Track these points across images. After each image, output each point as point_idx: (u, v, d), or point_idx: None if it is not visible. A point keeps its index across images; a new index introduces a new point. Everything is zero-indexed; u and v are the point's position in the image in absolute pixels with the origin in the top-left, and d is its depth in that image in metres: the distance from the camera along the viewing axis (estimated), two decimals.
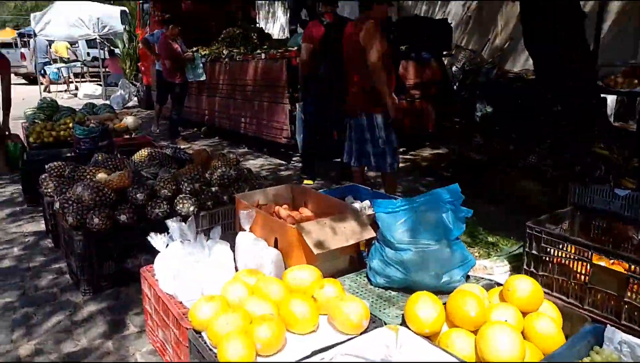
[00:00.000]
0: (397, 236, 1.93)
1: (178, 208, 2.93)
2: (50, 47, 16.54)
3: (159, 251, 2.18)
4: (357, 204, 2.69)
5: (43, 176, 3.43)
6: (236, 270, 2.15)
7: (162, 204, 2.86)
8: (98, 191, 2.74)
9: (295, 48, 5.73)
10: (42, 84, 15.23)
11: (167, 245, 2.17)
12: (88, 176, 3.01)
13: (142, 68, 11.67)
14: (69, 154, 4.90)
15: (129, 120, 6.28)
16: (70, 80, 17.05)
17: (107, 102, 12.30)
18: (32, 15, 14.34)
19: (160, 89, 8.11)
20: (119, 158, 3.40)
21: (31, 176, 4.23)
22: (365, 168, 4.01)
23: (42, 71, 15.94)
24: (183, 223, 2.15)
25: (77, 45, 21.53)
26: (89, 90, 14.52)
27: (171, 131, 7.24)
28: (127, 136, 5.87)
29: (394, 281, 1.94)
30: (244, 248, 2.15)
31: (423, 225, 1.93)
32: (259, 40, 8.50)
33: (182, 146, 7.14)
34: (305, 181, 5.04)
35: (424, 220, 1.95)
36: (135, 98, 12.63)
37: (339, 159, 4.75)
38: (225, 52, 7.37)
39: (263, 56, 6.18)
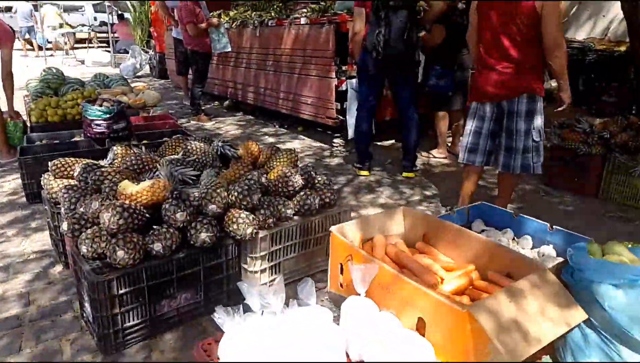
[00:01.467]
0: None
1: (231, 229, 2.12)
2: (34, 11, 15.50)
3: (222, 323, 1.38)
4: (501, 238, 1.86)
5: (46, 176, 2.62)
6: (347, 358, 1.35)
7: (209, 226, 2.05)
8: (123, 211, 1.92)
9: (344, 11, 4.78)
10: (25, 50, 14.64)
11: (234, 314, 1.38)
12: (107, 184, 2.18)
13: (155, 34, 10.70)
14: (77, 139, 4.08)
15: (147, 95, 5.42)
16: (64, 46, 16.08)
17: (117, 70, 11.40)
18: None
19: (180, 59, 7.21)
20: (145, 154, 2.56)
21: (32, 166, 3.43)
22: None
23: (26, 36, 15.15)
24: (263, 287, 1.33)
25: (83, 9, 20.44)
26: (97, 57, 13.57)
27: (192, 106, 6.37)
28: (145, 115, 5.02)
29: None
30: (360, 326, 1.34)
31: None
32: (282, 2, 7.54)
33: (204, 123, 6.31)
34: (361, 172, 4.20)
35: None
36: (147, 66, 11.69)
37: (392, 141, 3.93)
38: (254, 16, 6.40)
39: (303, 20, 5.24)
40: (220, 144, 2.74)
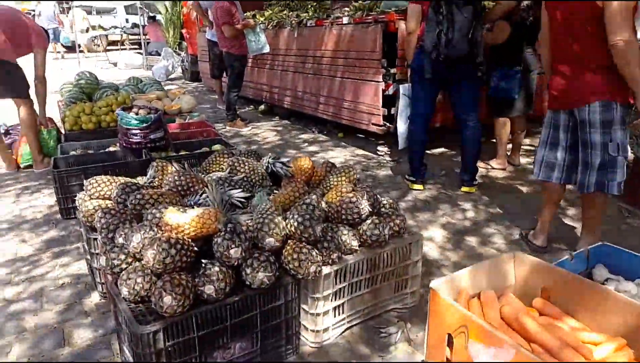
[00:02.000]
0: None
1: (291, 266, 1.81)
2: (57, 13, 15.70)
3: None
4: (629, 287, 1.49)
5: (81, 196, 2.38)
6: None
7: (268, 264, 1.74)
8: (170, 248, 1.63)
9: (392, 10, 4.43)
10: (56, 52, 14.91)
11: None
12: (149, 210, 1.91)
13: (187, 36, 10.56)
14: (112, 149, 3.87)
15: (183, 100, 5.19)
16: (96, 48, 16.32)
17: (150, 73, 11.33)
18: None
19: (215, 62, 7.00)
20: (189, 173, 2.28)
21: (65, 179, 3.22)
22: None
23: (53, 38, 15.34)
24: None
25: (115, 11, 20.65)
26: (129, 59, 13.57)
27: (228, 111, 6.12)
28: (181, 121, 4.79)
29: None
30: None
31: None
32: (317, 2, 7.24)
33: (240, 129, 6.06)
34: (414, 186, 3.85)
35: None
36: (179, 69, 11.58)
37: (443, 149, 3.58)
38: (291, 15, 6.11)
39: (346, 20, 4.91)
40: (271, 161, 2.43)
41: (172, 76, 11.46)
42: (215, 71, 7.20)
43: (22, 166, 4.44)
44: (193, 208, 2.02)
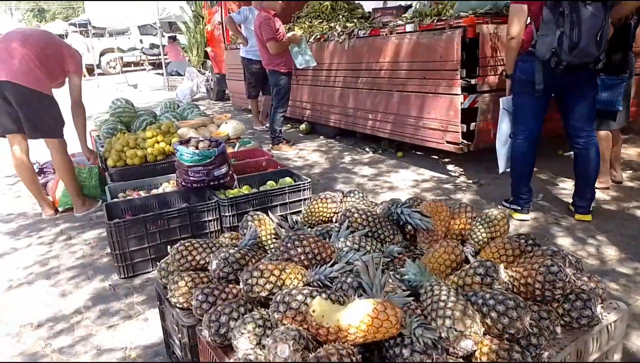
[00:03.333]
0: None
1: None
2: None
3: None
4: None
5: (164, 268, 1.86)
6: None
7: None
8: None
9: (470, 13, 3.90)
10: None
11: None
12: (278, 295, 1.38)
13: (212, 54, 10.17)
14: (168, 188, 3.36)
15: (230, 126, 4.70)
16: (112, 70, 16.03)
17: (173, 94, 10.95)
18: (85, 3, 13.18)
19: (251, 81, 6.54)
20: (302, 234, 1.74)
21: (124, 231, 2.71)
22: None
23: None
24: None
25: (129, 32, 20.48)
26: (150, 81, 13.24)
27: (272, 133, 5.62)
28: (232, 150, 4.29)
29: None
30: None
31: None
32: (349, 12, 6.79)
33: (285, 152, 5.56)
34: (516, 215, 3.28)
35: None
36: (203, 88, 11.17)
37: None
38: (338, 27, 5.62)
39: (409, 27, 4.39)
40: (401, 210, 1.89)
41: (196, 96, 11.05)
42: (251, 90, 6.74)
43: (60, 209, 3.96)
44: (330, 286, 1.50)
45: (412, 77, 4.46)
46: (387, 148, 5.44)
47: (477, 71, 3.93)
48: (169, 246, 1.87)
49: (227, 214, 2.96)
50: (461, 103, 3.95)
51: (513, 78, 3.13)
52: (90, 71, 16.62)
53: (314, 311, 1.27)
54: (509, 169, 3.37)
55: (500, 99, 3.32)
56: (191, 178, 3.10)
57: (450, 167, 4.68)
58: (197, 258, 1.80)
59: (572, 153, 3.23)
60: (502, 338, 1.33)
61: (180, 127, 4.55)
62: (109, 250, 3.08)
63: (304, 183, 3.19)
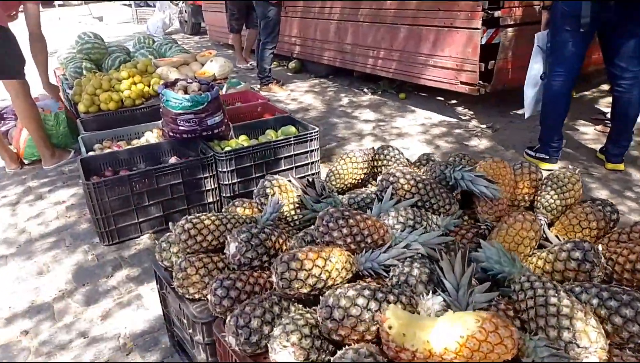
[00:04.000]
0: None
1: None
2: None
3: None
4: None
5: (164, 247, 1.49)
6: None
7: None
8: None
9: None
10: None
11: None
12: (330, 296, 1.04)
13: None
14: (152, 140, 2.92)
15: (217, 65, 4.17)
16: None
17: (144, 28, 10.04)
18: None
19: (233, 12, 5.87)
20: (346, 210, 1.36)
21: (105, 192, 2.30)
22: None
23: None
24: None
25: None
26: (117, 13, 12.11)
27: (261, 73, 5.09)
28: (221, 93, 3.79)
29: None
30: None
31: None
32: None
33: (275, 93, 5.07)
34: (544, 165, 2.97)
35: None
36: (176, 21, 10.25)
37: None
38: None
39: None
40: (464, 175, 1.53)
41: (168, 30, 10.15)
42: (233, 23, 6.08)
43: (26, 162, 3.47)
44: (386, 275, 1.17)
45: (423, 8, 3.96)
46: (387, 88, 5.01)
47: (499, 2, 3.47)
48: (170, 224, 1.48)
49: (224, 169, 2.56)
50: (481, 38, 3.52)
51: (555, 10, 2.70)
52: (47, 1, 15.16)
53: (390, 328, 0.93)
54: (534, 114, 3.03)
55: (536, 35, 2.90)
56: (180, 128, 2.65)
57: (459, 110, 4.31)
58: (209, 238, 1.42)
59: (583, 93, 2.91)
60: (624, 349, 1.03)
61: (158, 65, 3.99)
62: (87, 212, 2.67)
63: (312, 133, 2.78)
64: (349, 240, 1.28)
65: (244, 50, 6.42)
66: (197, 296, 1.37)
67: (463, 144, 3.51)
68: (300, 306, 1.21)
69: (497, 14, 3.46)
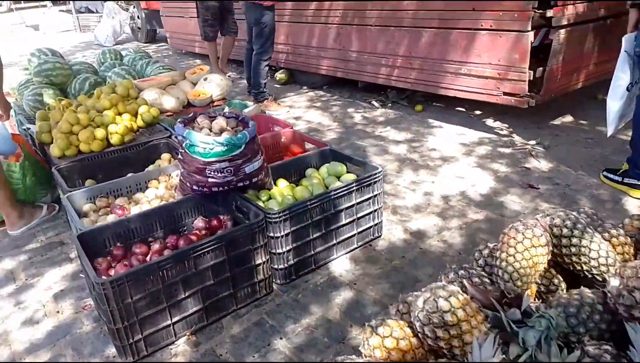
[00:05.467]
0: None
1: None
2: None
3: None
4: None
5: None
6: None
7: None
8: None
9: None
10: None
11: None
12: None
13: None
14: (161, 191, 2.22)
15: (212, 84, 3.47)
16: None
17: (87, 36, 8.99)
18: None
19: (209, 18, 5.12)
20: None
21: (125, 289, 1.59)
22: None
23: None
24: None
25: None
26: (56, 21, 10.88)
27: (256, 88, 4.40)
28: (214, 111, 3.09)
29: None
30: None
31: None
32: None
33: (273, 111, 4.41)
34: (635, 193, 2.54)
35: None
36: (127, 28, 9.24)
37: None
38: None
39: None
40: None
41: (119, 38, 9.13)
42: (208, 30, 5.31)
43: None
44: None
45: (453, 8, 3.45)
46: (396, 100, 4.47)
47: (549, 1, 3.02)
48: None
49: (278, 234, 1.91)
50: (531, 42, 3.05)
51: None
52: None
53: None
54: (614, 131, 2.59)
55: (624, 38, 2.45)
56: (210, 179, 1.97)
57: (490, 122, 3.83)
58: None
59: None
60: None
61: (142, 88, 3.24)
62: (88, 304, 1.94)
63: (376, 174, 2.18)
64: None
65: (219, 60, 5.68)
66: None
67: (523, 167, 3.02)
68: None
69: (549, 13, 3.00)
